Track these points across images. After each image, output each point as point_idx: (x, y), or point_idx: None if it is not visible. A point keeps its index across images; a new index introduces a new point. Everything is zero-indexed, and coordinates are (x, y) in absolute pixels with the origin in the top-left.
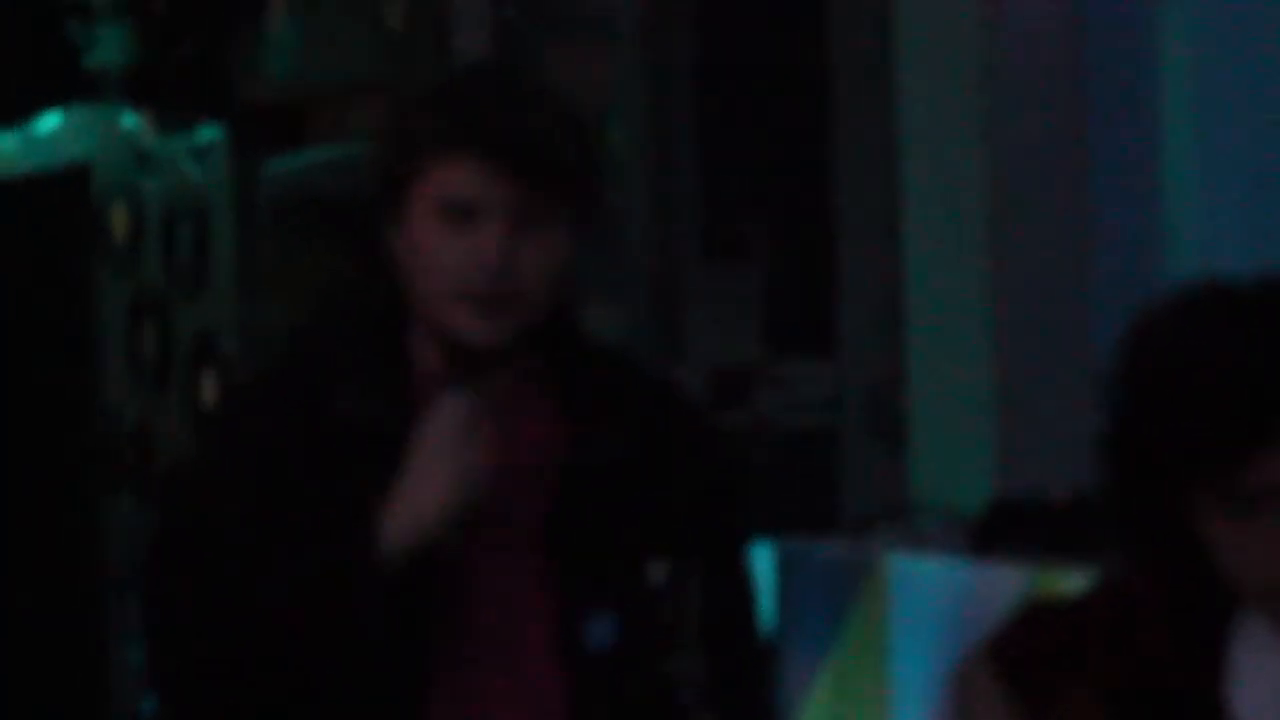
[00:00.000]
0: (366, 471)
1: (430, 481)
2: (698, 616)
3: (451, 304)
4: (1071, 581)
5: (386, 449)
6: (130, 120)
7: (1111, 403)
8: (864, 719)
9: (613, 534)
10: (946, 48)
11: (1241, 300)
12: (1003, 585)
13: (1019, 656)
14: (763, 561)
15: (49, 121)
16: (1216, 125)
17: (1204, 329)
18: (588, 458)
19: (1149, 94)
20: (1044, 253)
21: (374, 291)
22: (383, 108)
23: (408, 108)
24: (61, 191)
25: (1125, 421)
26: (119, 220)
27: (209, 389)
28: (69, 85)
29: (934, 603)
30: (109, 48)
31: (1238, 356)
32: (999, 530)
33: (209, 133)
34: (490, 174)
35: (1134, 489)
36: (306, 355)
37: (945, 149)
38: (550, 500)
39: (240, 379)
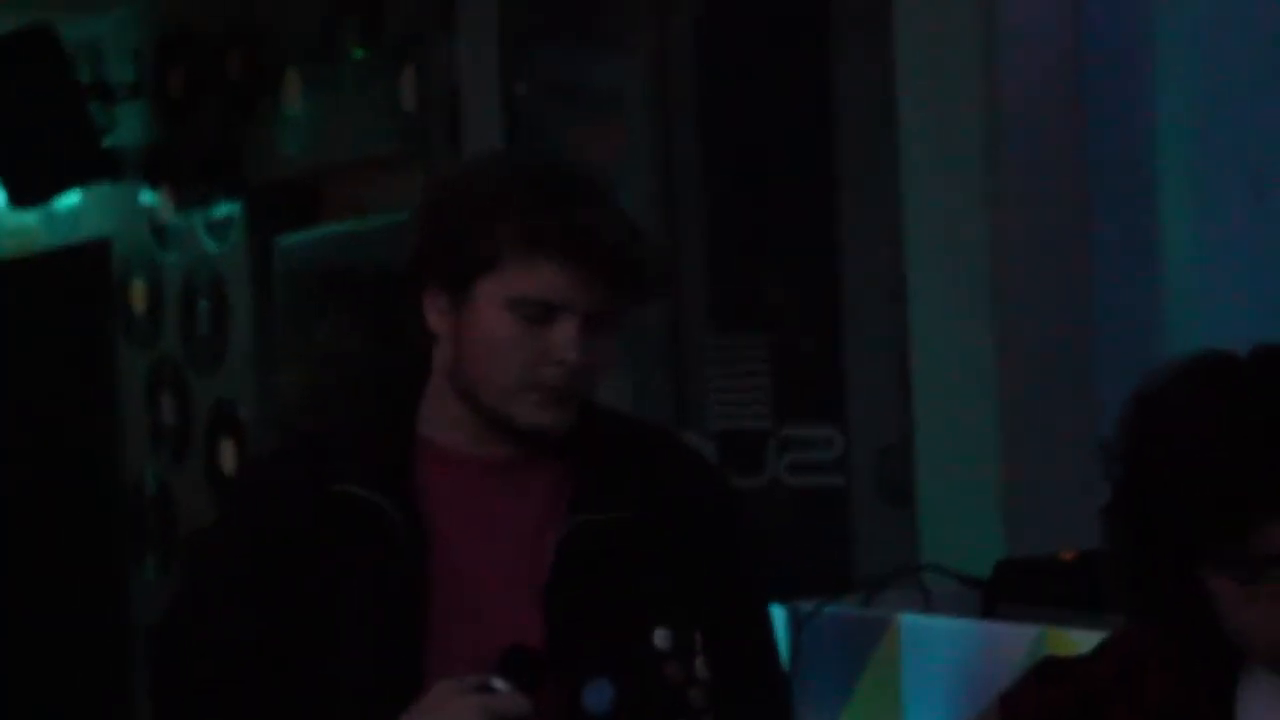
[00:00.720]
0: (372, 552)
1: None
2: (706, 680)
3: (518, 394)
4: (1080, 638)
5: (393, 529)
6: (149, 197)
7: (1114, 472)
8: None
9: (614, 597)
10: (949, 120)
11: (1241, 371)
12: (1012, 643)
13: (1030, 713)
14: (776, 622)
15: (71, 199)
16: (1217, 198)
17: (1205, 401)
18: (591, 520)
19: (1150, 163)
20: (1047, 316)
21: (389, 364)
22: (397, 183)
23: (478, 196)
24: (83, 266)
25: (1129, 493)
26: (138, 294)
27: (227, 456)
28: (91, 165)
29: (945, 661)
30: (129, 127)
31: (1238, 430)
32: (1008, 589)
33: (226, 208)
34: (574, 277)
35: (1138, 557)
36: (313, 431)
37: (949, 215)
38: (551, 564)
39: (255, 453)
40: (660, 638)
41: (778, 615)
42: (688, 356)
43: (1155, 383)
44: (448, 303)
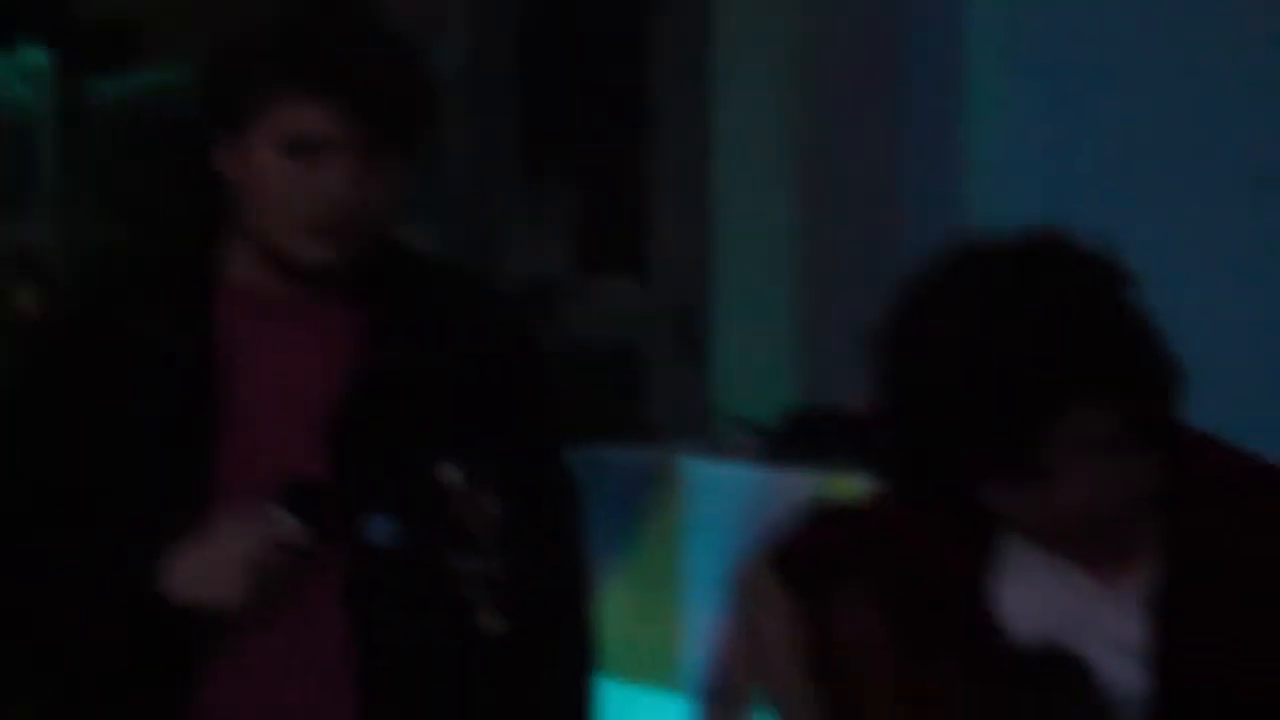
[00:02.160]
0: (162, 390)
1: (223, 573)
2: (494, 519)
3: (295, 232)
4: (862, 487)
5: (181, 366)
6: None
7: (881, 362)
8: (657, 619)
9: (403, 434)
10: None
11: (1011, 261)
12: (794, 490)
13: (800, 560)
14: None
15: None
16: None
17: (971, 300)
18: (379, 363)
19: (957, 17)
20: (850, 172)
21: (189, 209)
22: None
23: (245, 42)
24: None
25: (899, 393)
26: None
27: (27, 301)
28: None
29: (727, 506)
30: None
31: (1006, 330)
32: (794, 439)
33: (36, 54)
34: (338, 114)
35: (905, 446)
36: (112, 275)
37: (757, 75)
38: (340, 400)
39: (57, 296)
40: (448, 474)
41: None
42: (494, 206)
43: (927, 273)
44: (230, 148)
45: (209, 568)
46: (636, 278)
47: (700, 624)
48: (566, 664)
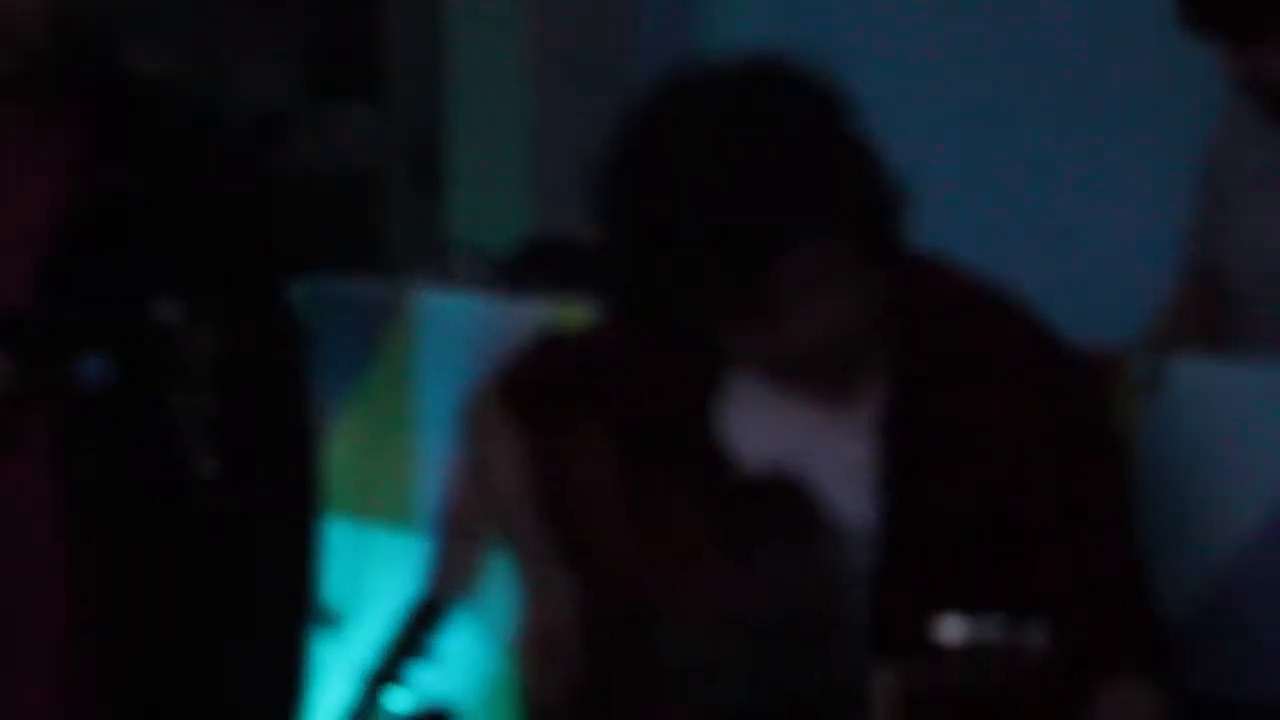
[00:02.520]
0: None
1: None
2: (210, 355)
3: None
4: (592, 318)
5: None
6: None
7: (606, 205)
8: (390, 452)
9: (117, 267)
10: None
11: (728, 92)
12: (527, 321)
13: (528, 390)
14: (297, 302)
15: None
16: None
17: (689, 142)
18: (94, 190)
19: None
20: (584, 5)
21: None
22: None
23: None
24: None
25: (621, 232)
26: None
27: None
28: None
29: (461, 338)
30: None
31: (724, 182)
32: (529, 269)
33: None
34: None
35: (635, 282)
36: None
37: None
38: (51, 234)
39: None
40: (165, 309)
41: (297, 293)
42: (219, 32)
43: (645, 105)
44: None
45: None
46: (370, 105)
47: (435, 459)
48: (286, 506)
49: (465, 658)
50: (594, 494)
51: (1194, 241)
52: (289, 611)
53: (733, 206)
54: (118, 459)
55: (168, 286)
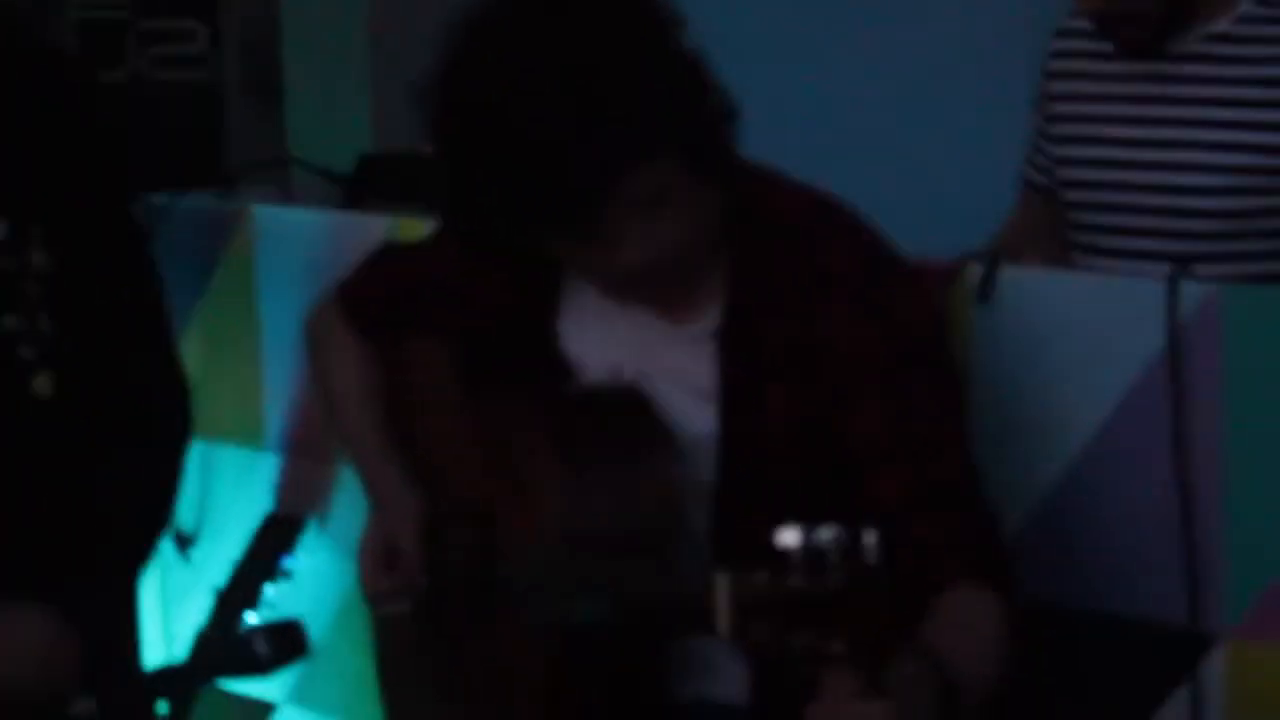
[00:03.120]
0: None
1: None
2: (44, 272)
3: None
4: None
5: None
6: None
7: (434, 128)
8: (235, 369)
9: None
10: None
11: (545, 21)
12: (367, 234)
13: (368, 303)
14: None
15: None
16: None
17: (507, 67)
18: None
19: None
20: None
21: None
22: None
23: None
24: None
25: (451, 155)
26: None
27: None
28: None
29: (301, 252)
30: None
31: (545, 111)
32: (368, 182)
33: None
34: None
35: (469, 202)
36: None
37: None
38: None
39: None
40: None
41: (135, 212)
42: None
43: (465, 20)
44: None
45: None
46: (206, 19)
47: (280, 375)
48: (131, 427)
49: (316, 573)
50: (435, 405)
51: (1032, 157)
52: (132, 538)
53: (562, 130)
54: None
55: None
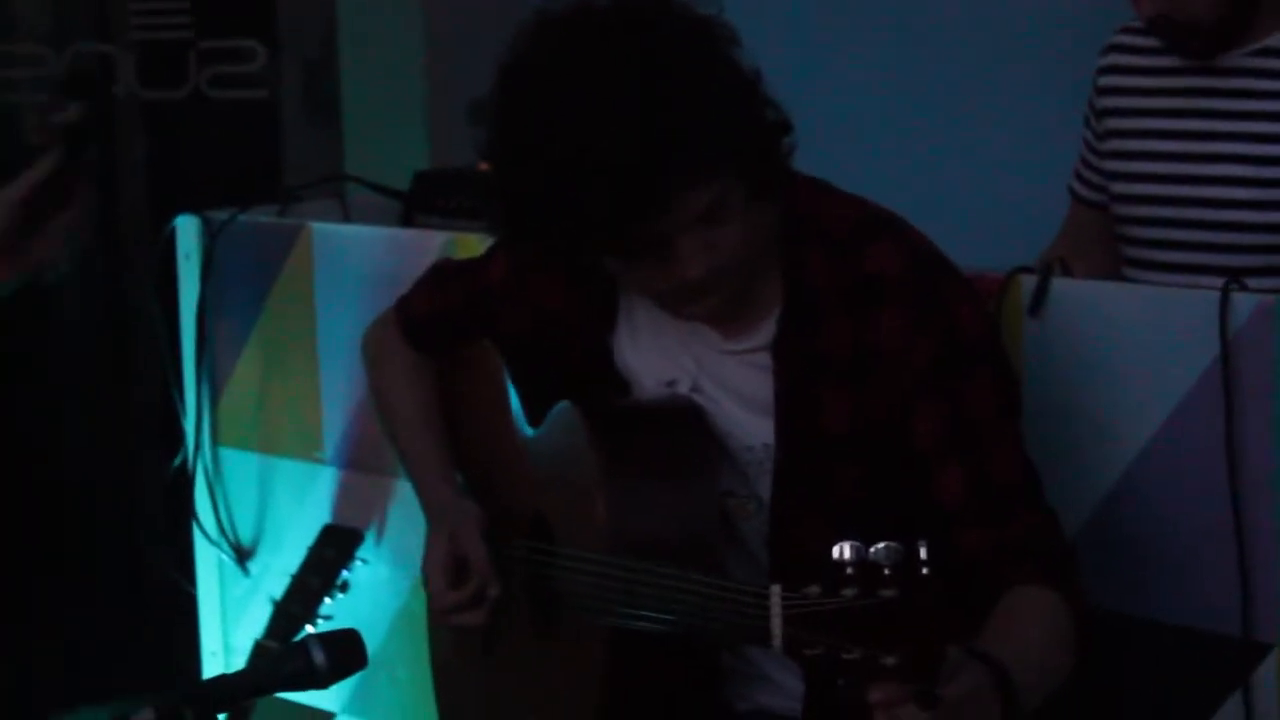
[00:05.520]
0: None
1: None
2: None
3: None
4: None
5: None
6: None
7: (490, 145)
8: (293, 381)
9: None
10: None
11: (600, 40)
12: (423, 250)
13: (424, 315)
14: (190, 231)
15: None
16: None
17: (562, 88)
18: None
19: None
20: None
21: None
22: None
23: None
24: None
25: (506, 171)
26: None
27: None
28: None
29: (358, 268)
30: None
31: (600, 131)
32: (425, 199)
33: None
34: None
35: (526, 219)
36: None
37: None
38: None
39: None
40: None
41: (191, 224)
42: None
43: (527, 35)
44: None
45: None
46: (265, 38)
47: (337, 390)
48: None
49: (373, 585)
50: (491, 420)
51: (1080, 170)
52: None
53: (621, 149)
54: None
55: None
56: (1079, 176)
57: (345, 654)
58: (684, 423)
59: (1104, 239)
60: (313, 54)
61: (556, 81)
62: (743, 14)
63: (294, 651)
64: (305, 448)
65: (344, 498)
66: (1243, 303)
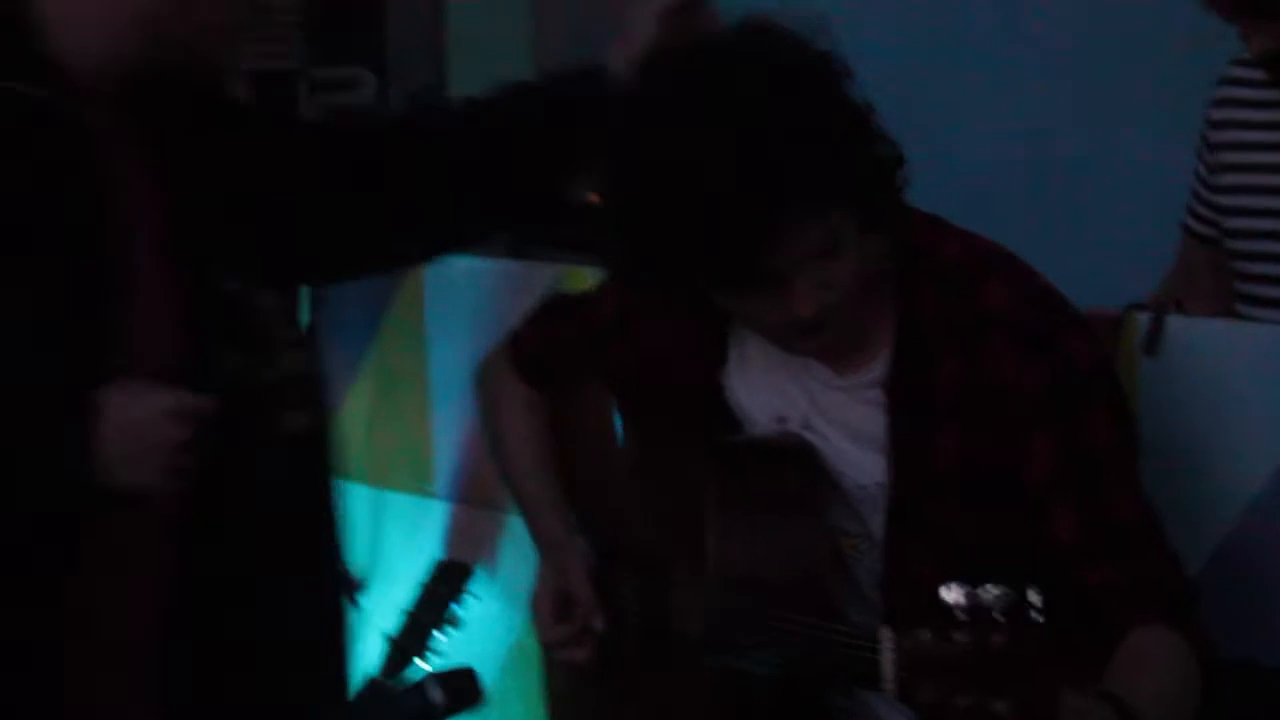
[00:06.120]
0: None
1: (147, 465)
2: (287, 324)
3: (232, 35)
4: (597, 279)
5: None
6: None
7: (605, 179)
8: (404, 414)
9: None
10: None
11: (714, 73)
12: (533, 282)
13: (536, 351)
14: None
15: None
16: None
17: (676, 121)
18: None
19: None
20: None
21: None
22: None
23: None
24: None
25: (621, 206)
26: None
27: None
28: None
29: (469, 299)
30: None
31: (713, 164)
32: (534, 231)
33: None
34: None
35: (638, 251)
36: None
37: None
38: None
39: None
40: (237, 285)
41: None
42: None
43: (641, 72)
44: None
45: (138, 449)
46: (374, 66)
47: (449, 424)
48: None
49: (485, 620)
50: (603, 456)
51: (1193, 205)
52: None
53: (735, 186)
54: (225, 432)
55: (236, 264)
56: (1192, 212)
57: (462, 692)
58: (796, 460)
59: (1217, 275)
60: (422, 82)
61: (671, 115)
62: (851, 47)
63: (412, 691)
64: (416, 481)
65: (456, 532)
66: None
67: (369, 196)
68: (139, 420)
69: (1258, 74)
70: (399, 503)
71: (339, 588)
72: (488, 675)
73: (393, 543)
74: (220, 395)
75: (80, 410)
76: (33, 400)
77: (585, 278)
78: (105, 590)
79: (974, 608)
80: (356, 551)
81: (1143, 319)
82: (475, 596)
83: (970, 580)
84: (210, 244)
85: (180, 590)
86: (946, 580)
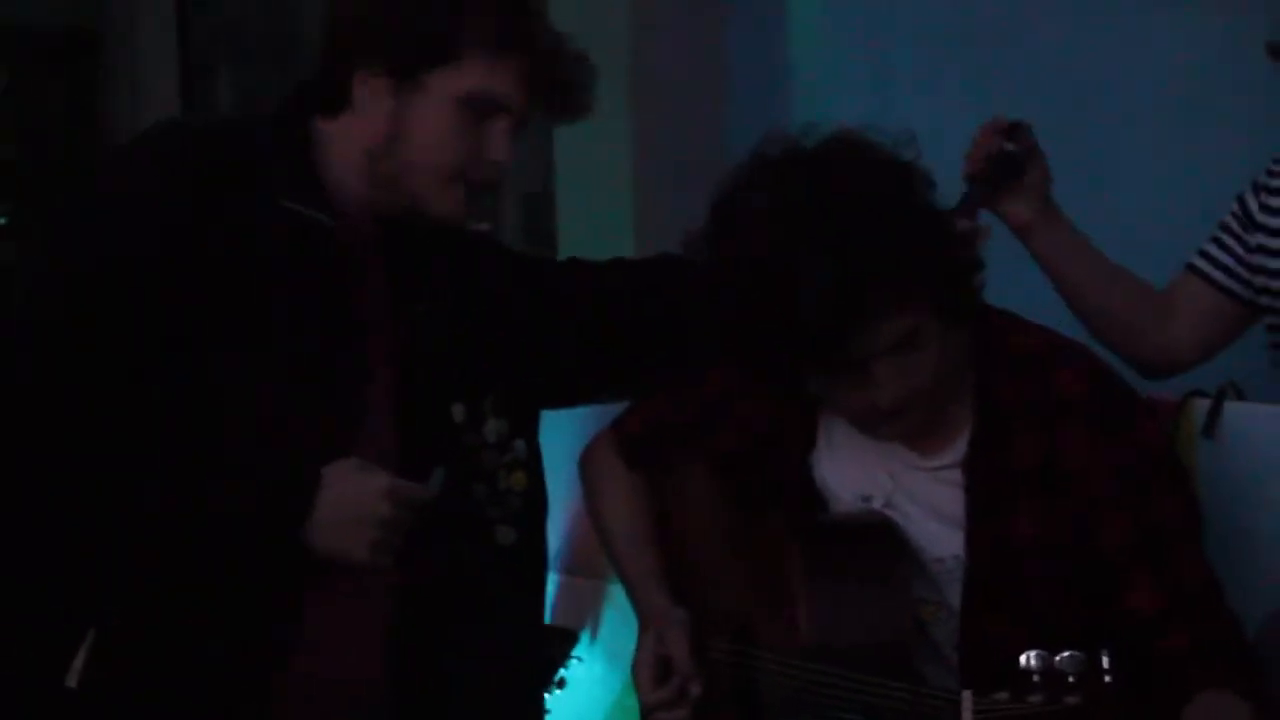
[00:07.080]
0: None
1: (356, 536)
2: (502, 439)
3: (446, 186)
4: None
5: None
6: None
7: (701, 273)
8: None
9: (429, 382)
10: None
11: (805, 180)
12: None
13: (637, 433)
14: None
15: None
16: None
17: (768, 223)
18: (414, 312)
19: None
20: (681, 67)
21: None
22: None
23: None
24: None
25: (716, 298)
26: None
27: None
28: None
29: None
30: None
31: (803, 262)
32: None
33: None
34: (525, 79)
35: (732, 339)
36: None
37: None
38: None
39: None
40: (460, 412)
41: None
42: None
43: (738, 176)
44: (388, 86)
45: (349, 518)
46: None
47: (556, 497)
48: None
49: (589, 683)
50: (700, 531)
51: (1213, 251)
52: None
53: (824, 286)
54: (441, 546)
55: (459, 390)
56: (1207, 255)
57: None
58: (879, 536)
59: (1203, 315)
60: (532, 188)
61: (767, 217)
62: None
63: None
64: None
65: (562, 599)
66: None
67: (603, 332)
68: (355, 493)
69: None
70: None
71: (537, 685)
72: None
73: None
74: (435, 491)
75: (306, 477)
76: (266, 463)
77: None
78: (325, 666)
79: (1048, 671)
80: None
81: (1201, 404)
82: (579, 659)
83: (1045, 645)
84: (442, 367)
85: (388, 675)
86: (1019, 641)
